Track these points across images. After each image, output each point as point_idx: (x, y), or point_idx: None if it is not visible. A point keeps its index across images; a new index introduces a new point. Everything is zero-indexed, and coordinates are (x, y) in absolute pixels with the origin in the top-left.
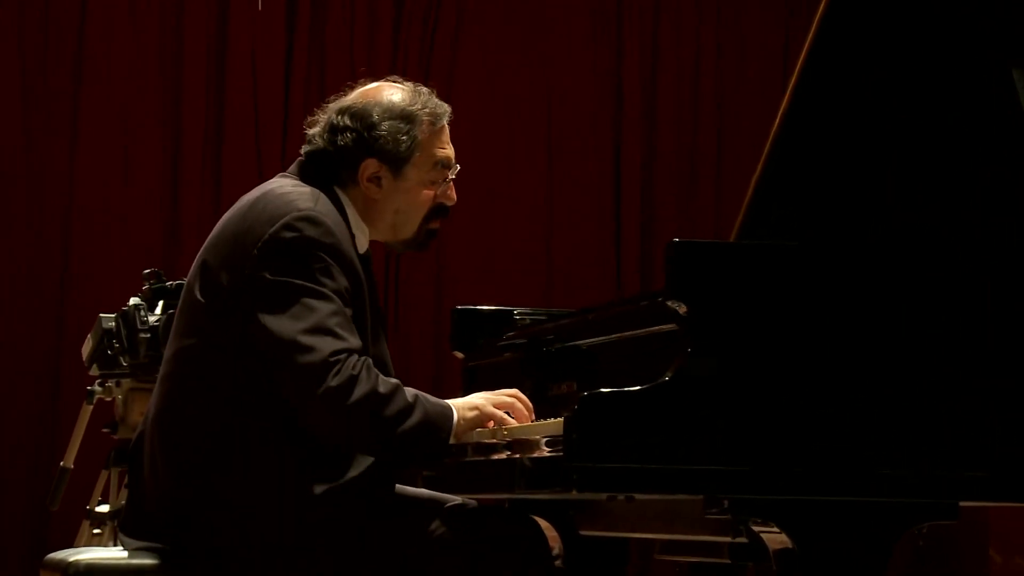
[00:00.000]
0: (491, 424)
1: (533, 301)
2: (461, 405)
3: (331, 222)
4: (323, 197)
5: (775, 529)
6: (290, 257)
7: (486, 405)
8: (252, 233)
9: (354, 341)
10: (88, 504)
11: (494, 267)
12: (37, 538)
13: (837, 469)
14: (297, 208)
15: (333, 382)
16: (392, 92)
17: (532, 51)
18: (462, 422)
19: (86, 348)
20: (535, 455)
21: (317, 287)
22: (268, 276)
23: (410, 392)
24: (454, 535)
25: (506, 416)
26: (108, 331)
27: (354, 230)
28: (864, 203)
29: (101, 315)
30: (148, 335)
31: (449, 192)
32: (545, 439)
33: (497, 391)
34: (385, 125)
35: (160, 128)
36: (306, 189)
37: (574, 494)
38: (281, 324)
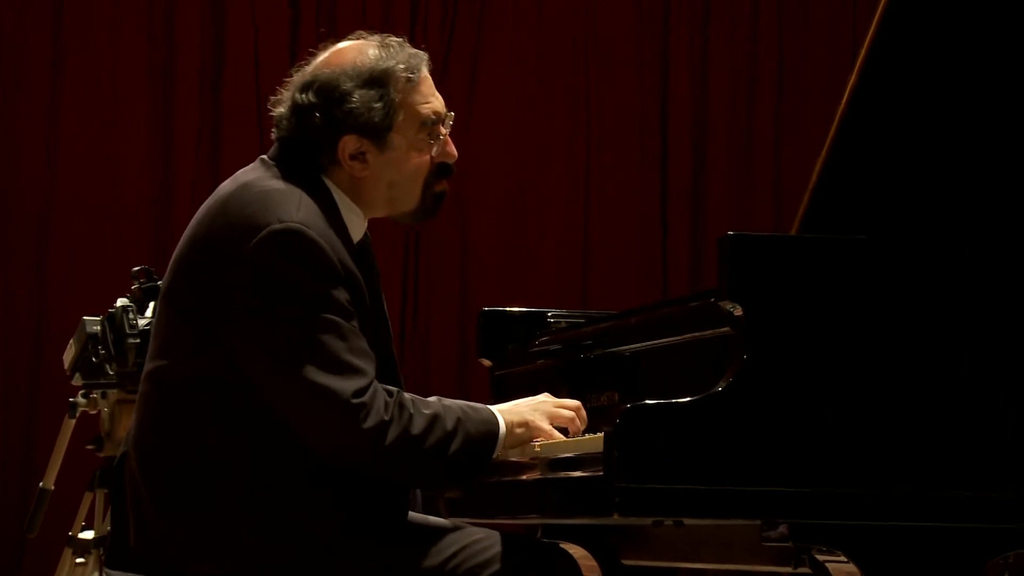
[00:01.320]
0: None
1: (569, 303)
2: (511, 419)
3: (316, 230)
4: (305, 198)
5: (842, 558)
6: (278, 286)
7: (537, 422)
8: (227, 243)
9: (371, 368)
10: (70, 530)
11: (525, 265)
12: (13, 568)
13: (912, 490)
14: (277, 219)
15: (363, 427)
16: (356, 54)
17: (569, 36)
18: (509, 437)
19: (68, 355)
20: (571, 475)
21: (318, 314)
22: (257, 309)
23: (451, 415)
24: (472, 567)
25: (558, 434)
26: (92, 336)
27: (346, 218)
28: (938, 194)
29: (85, 318)
30: (137, 340)
31: (447, 148)
32: (582, 457)
33: (561, 400)
34: (355, 95)
35: (150, 110)
36: (284, 188)
37: (616, 519)
38: (288, 367)
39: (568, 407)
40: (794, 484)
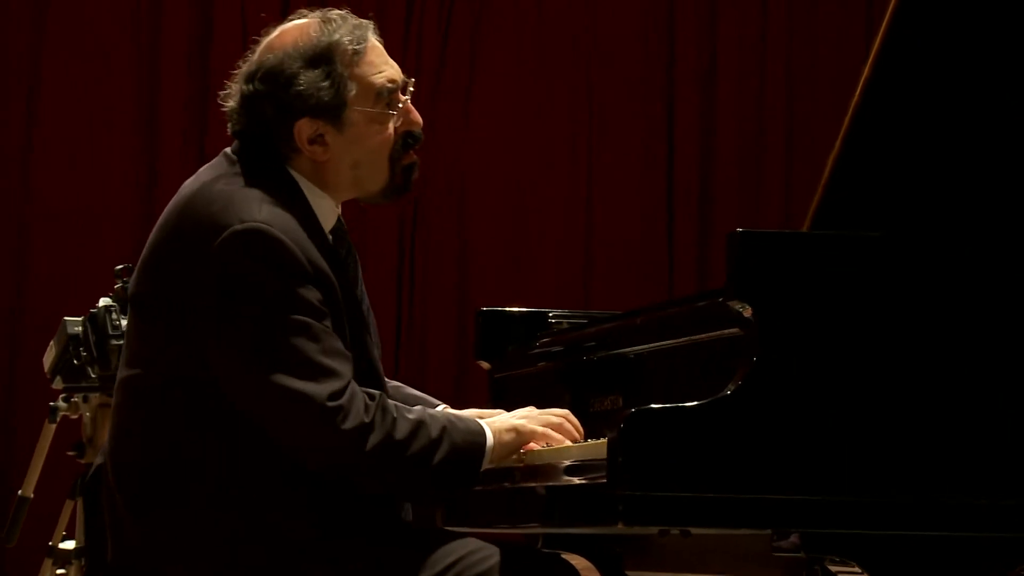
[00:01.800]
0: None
1: (571, 303)
2: (499, 427)
3: (280, 228)
4: (268, 195)
5: (856, 569)
6: (243, 287)
7: (526, 425)
8: (191, 243)
9: (347, 369)
10: (51, 540)
11: (525, 264)
12: None
13: (929, 498)
14: (239, 219)
15: (342, 429)
16: (298, 34)
17: (570, 32)
18: (497, 447)
19: (48, 357)
20: (574, 482)
21: (286, 315)
22: (223, 313)
23: (437, 423)
24: None
25: (553, 434)
26: (74, 337)
27: (315, 207)
28: (955, 189)
29: (66, 319)
30: (121, 342)
31: (411, 117)
32: (584, 463)
33: (544, 410)
34: (301, 77)
35: (134, 99)
36: (247, 185)
37: (620, 528)
38: (257, 372)
39: (556, 414)
40: (806, 492)
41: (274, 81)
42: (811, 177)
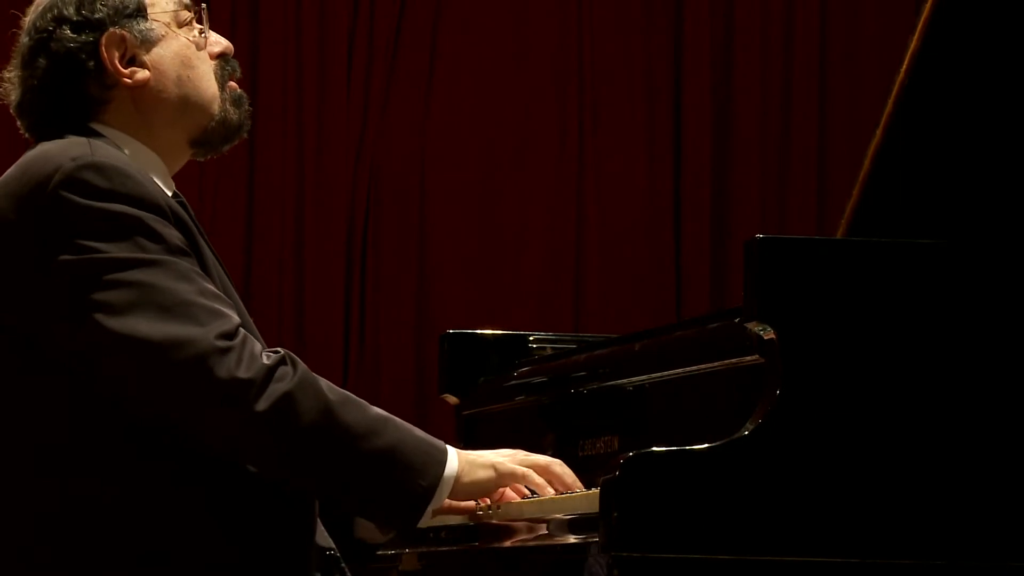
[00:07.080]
0: (506, 497)
1: (557, 324)
2: (471, 459)
3: (121, 162)
4: (95, 140)
5: None
6: (88, 227)
7: (506, 464)
8: (11, 228)
9: (232, 312)
10: None
11: (500, 276)
12: None
13: (996, 561)
14: (70, 158)
15: (233, 376)
16: None
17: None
18: (463, 480)
19: None
20: (559, 541)
21: (148, 254)
22: (65, 265)
23: (378, 411)
24: None
25: (536, 478)
26: None
27: (143, 165)
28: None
29: None
30: None
31: (214, 36)
32: (571, 518)
33: (532, 454)
34: None
35: None
36: (67, 139)
37: None
38: (117, 326)
39: (547, 462)
40: (843, 553)
41: (60, 8)
42: (848, 173)
